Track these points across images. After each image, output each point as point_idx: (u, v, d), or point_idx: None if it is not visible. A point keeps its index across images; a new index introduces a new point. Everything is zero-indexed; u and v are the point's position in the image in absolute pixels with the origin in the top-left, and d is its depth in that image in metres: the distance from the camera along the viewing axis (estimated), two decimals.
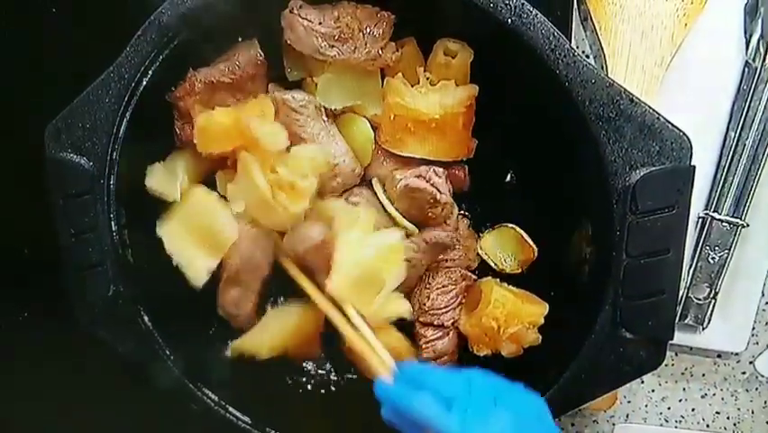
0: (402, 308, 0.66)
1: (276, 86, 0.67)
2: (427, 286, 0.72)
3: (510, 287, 0.70)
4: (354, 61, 0.65)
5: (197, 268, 0.65)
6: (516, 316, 0.67)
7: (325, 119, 0.68)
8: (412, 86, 0.67)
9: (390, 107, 0.66)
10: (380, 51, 0.65)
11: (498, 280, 0.71)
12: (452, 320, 0.72)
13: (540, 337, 0.67)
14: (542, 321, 0.67)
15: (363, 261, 0.63)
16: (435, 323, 0.71)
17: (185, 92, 0.65)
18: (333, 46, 0.64)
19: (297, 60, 0.68)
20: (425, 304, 0.71)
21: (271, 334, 0.69)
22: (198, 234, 0.65)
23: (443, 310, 0.72)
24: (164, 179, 0.66)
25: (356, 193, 0.70)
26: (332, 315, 0.64)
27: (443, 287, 0.72)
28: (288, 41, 0.65)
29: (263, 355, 0.68)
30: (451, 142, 0.67)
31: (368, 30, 0.65)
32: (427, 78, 0.68)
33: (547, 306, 0.68)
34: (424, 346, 0.71)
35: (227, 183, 0.65)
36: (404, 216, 0.69)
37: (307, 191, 0.64)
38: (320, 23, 0.64)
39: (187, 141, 0.66)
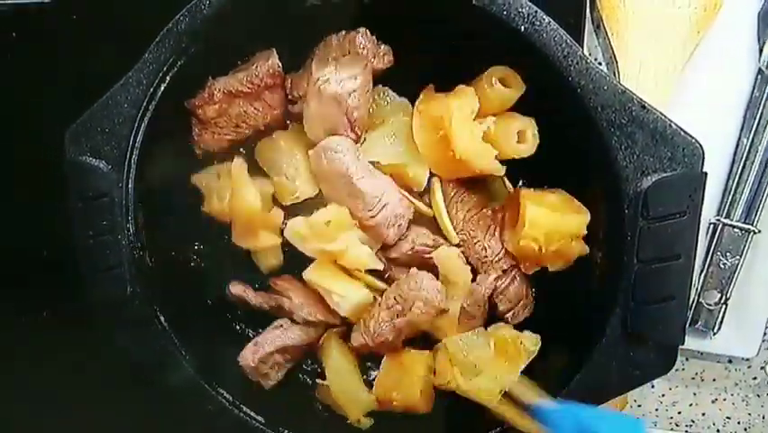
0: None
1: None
2: (476, 239, 0.70)
3: (547, 194, 0.67)
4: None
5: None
6: (556, 232, 0.64)
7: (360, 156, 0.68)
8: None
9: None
10: (373, 63, 0.66)
11: (532, 189, 0.68)
12: (507, 264, 0.70)
13: (587, 248, 0.66)
14: (584, 231, 0.65)
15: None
16: (499, 270, 0.70)
17: (203, 101, 0.66)
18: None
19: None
20: (485, 257, 0.70)
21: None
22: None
23: (498, 255, 0.70)
24: None
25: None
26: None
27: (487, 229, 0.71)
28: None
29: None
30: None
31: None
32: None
33: (588, 213, 0.65)
34: (498, 301, 0.70)
35: None
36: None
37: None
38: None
39: (204, 147, 0.68)
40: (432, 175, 0.70)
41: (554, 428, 0.55)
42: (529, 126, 0.66)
